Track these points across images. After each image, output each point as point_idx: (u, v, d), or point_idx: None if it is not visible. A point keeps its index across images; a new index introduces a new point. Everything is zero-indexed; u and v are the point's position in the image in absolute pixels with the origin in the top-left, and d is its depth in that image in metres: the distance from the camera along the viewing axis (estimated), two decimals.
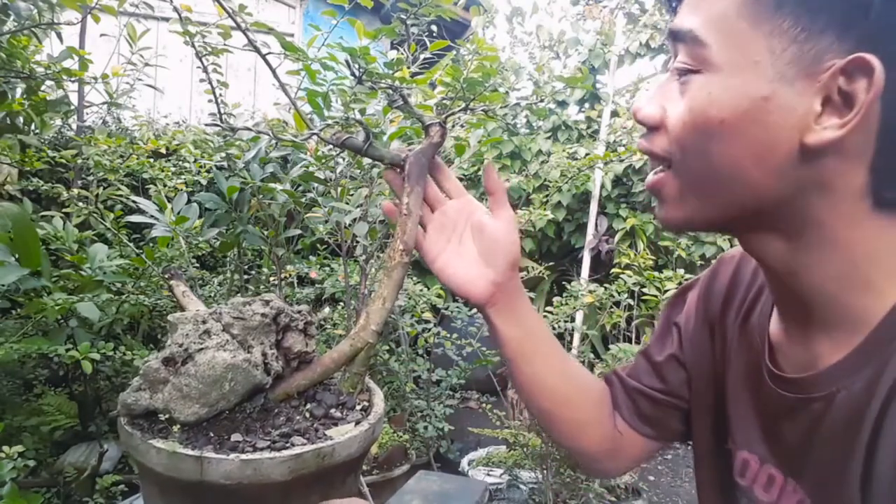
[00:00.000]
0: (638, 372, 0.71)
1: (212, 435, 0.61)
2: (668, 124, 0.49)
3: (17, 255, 1.43)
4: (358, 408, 0.71)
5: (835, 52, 0.43)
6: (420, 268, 3.32)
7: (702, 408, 0.65)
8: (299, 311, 0.71)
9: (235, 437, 0.61)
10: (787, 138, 0.44)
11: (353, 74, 0.70)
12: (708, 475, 0.64)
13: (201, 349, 0.62)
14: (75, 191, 1.79)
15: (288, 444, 0.60)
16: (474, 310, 2.29)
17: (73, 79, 1.70)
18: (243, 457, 0.56)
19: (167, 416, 0.62)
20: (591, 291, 2.35)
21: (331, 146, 0.80)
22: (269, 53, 0.83)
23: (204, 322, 0.65)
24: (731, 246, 3.02)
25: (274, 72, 0.83)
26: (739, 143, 0.46)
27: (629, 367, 0.73)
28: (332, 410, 0.69)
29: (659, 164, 0.51)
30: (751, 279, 0.62)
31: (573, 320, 2.71)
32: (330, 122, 0.75)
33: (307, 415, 0.68)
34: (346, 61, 0.69)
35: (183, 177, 1.92)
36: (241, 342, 0.66)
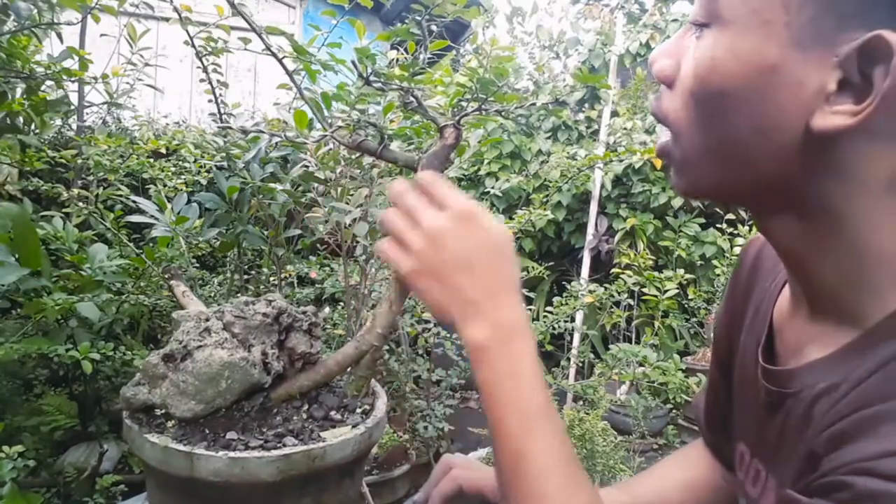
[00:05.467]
0: (703, 401, 0.71)
1: (207, 431, 0.62)
2: (677, 85, 0.45)
3: (17, 255, 1.43)
4: (359, 411, 0.71)
5: (860, 23, 0.36)
6: None
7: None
8: (304, 312, 0.72)
9: (231, 434, 0.62)
10: (793, 117, 0.39)
11: (360, 76, 0.69)
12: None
13: (200, 346, 0.63)
14: (75, 191, 1.78)
15: (280, 444, 0.61)
16: None
17: (73, 79, 1.70)
18: (231, 455, 0.57)
19: (164, 410, 0.63)
20: (591, 291, 2.35)
21: (331, 147, 0.79)
22: (286, 57, 0.82)
23: (206, 320, 0.65)
24: (731, 246, 3.03)
25: (290, 75, 0.83)
26: (741, 118, 0.41)
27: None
28: (333, 413, 0.69)
29: (667, 127, 0.47)
30: (772, 264, 0.59)
31: (573, 320, 2.70)
32: (342, 123, 0.74)
33: (305, 416, 0.68)
34: (353, 62, 0.68)
35: (183, 177, 1.92)
36: (242, 341, 0.66)
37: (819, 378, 0.44)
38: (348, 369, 0.72)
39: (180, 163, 1.99)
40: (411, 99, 0.71)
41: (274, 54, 0.82)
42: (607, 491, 0.70)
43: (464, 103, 0.75)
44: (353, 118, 0.74)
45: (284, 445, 0.60)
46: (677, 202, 3.43)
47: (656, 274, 2.88)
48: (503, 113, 0.75)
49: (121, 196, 1.86)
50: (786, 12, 0.38)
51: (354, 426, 0.66)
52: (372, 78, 0.71)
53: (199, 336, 0.64)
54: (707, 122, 0.43)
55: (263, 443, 0.61)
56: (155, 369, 0.62)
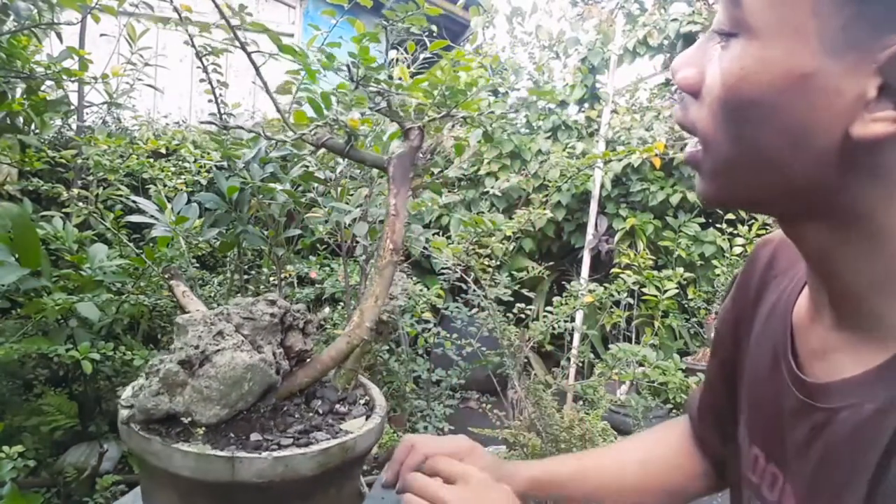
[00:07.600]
0: (699, 394, 0.72)
1: (232, 436, 0.62)
2: (704, 95, 0.43)
3: (17, 255, 1.43)
4: (361, 402, 0.72)
5: None
6: (420, 268, 3.32)
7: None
8: (299, 311, 0.72)
9: (254, 436, 0.62)
10: (830, 125, 0.37)
11: (351, 79, 0.71)
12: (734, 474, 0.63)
13: (218, 350, 0.62)
14: (75, 191, 1.79)
15: (311, 440, 0.61)
16: (474, 310, 2.29)
17: (73, 79, 1.70)
18: (276, 454, 0.57)
19: (189, 418, 0.61)
20: (591, 291, 2.34)
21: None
22: (255, 52, 0.83)
23: (214, 323, 0.65)
24: (731, 246, 3.03)
25: (257, 69, 0.83)
26: (773, 127, 0.39)
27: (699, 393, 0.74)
28: (337, 406, 0.71)
29: (694, 137, 0.45)
30: (787, 265, 0.58)
31: (573, 320, 2.71)
32: (319, 123, 0.76)
33: (321, 411, 0.69)
34: (348, 66, 0.69)
35: (183, 177, 1.92)
36: (252, 342, 0.66)
37: (860, 397, 0.42)
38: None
39: (180, 163, 1.99)
40: (382, 101, 0.73)
41: (243, 47, 0.82)
42: (563, 457, 0.77)
43: (423, 107, 0.78)
44: (327, 119, 0.75)
45: (316, 441, 0.61)
46: (675, 199, 3.43)
47: (656, 274, 2.88)
48: (467, 119, 0.77)
49: (121, 196, 1.86)
50: (816, 19, 0.36)
51: (367, 417, 0.68)
52: (361, 82, 0.72)
53: (214, 340, 0.63)
54: (738, 132, 0.41)
55: (294, 440, 0.61)
56: (175, 377, 0.61)
